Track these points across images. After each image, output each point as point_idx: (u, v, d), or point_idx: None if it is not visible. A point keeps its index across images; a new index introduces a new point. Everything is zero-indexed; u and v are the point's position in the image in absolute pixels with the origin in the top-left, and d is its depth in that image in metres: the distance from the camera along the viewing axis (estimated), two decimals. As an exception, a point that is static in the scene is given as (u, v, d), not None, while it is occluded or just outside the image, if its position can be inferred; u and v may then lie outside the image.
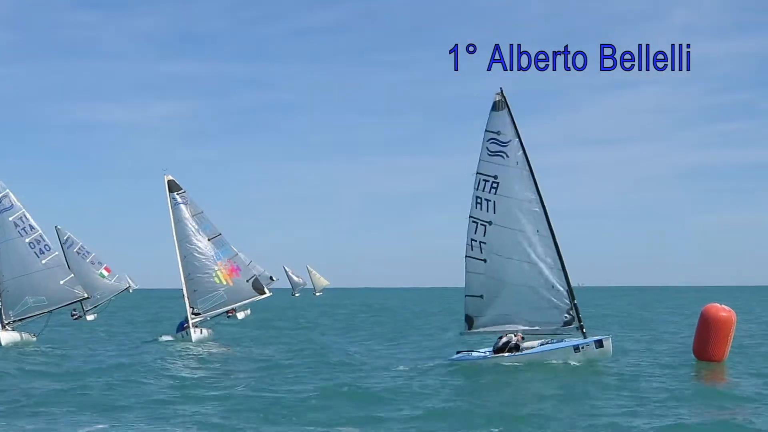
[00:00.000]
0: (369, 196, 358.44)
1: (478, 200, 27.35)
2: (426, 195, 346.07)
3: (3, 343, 39.44)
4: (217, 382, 24.60)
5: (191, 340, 39.89)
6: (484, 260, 27.52)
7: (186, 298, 41.42)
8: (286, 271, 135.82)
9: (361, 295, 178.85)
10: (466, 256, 27.73)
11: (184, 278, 41.71)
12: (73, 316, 65.02)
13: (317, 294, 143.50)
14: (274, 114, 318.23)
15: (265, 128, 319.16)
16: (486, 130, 27.51)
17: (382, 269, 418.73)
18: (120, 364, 29.69)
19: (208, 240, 41.97)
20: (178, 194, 42.34)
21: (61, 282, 41.80)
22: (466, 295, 27.97)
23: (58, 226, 65.48)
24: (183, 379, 25.58)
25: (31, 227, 41.80)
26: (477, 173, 27.45)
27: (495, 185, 27.31)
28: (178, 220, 42.06)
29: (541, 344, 27.31)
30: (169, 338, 41.22)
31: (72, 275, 43.10)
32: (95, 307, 65.07)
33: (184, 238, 41.88)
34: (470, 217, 27.51)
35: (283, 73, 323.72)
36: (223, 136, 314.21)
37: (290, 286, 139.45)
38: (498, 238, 27.46)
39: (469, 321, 27.98)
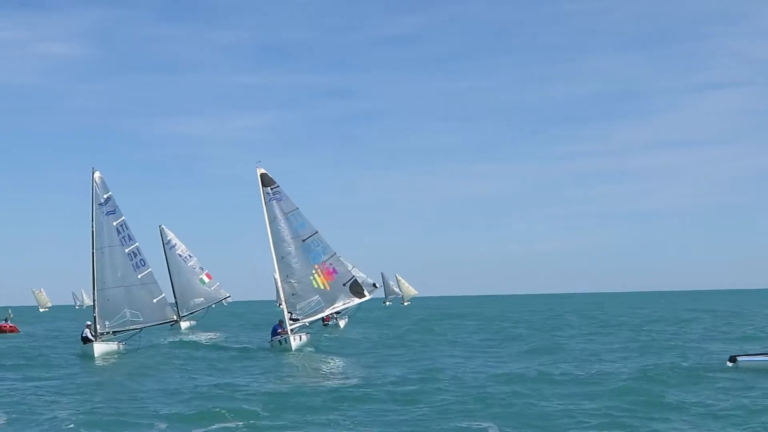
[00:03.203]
0: (449, 203, 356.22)
1: None
2: (505, 201, 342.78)
3: (96, 355, 37.95)
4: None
5: (291, 349, 37.43)
6: None
7: (283, 302, 39.29)
8: (383, 278, 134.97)
9: (453, 304, 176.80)
10: None
11: (281, 281, 39.27)
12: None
13: (405, 303, 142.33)
14: (356, 123, 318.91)
15: (347, 137, 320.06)
16: None
17: (460, 277, 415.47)
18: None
19: (303, 240, 39.21)
20: (271, 189, 39.52)
21: (155, 300, 40.61)
22: None
23: (163, 226, 65.01)
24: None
25: (130, 237, 40.52)
26: None
27: None
28: (273, 219, 39.25)
29: None
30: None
31: (164, 295, 41.55)
32: (191, 314, 64.28)
33: (280, 239, 39.16)
34: None
35: (365, 82, 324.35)
36: (305, 146, 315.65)
37: (383, 295, 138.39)
38: None
39: None
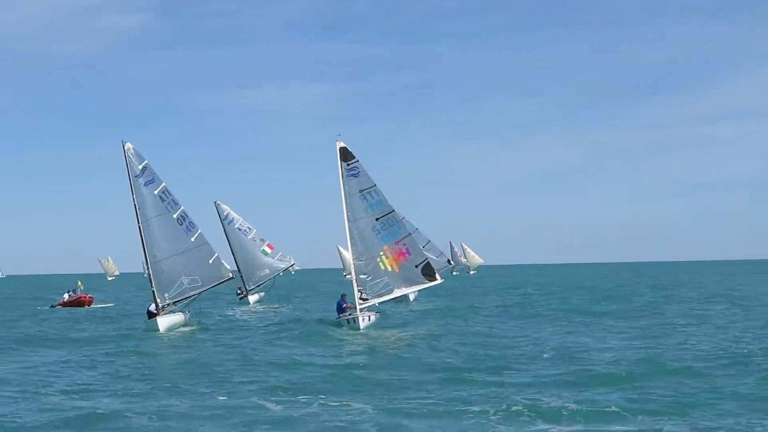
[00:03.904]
0: (518, 173, 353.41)
1: None
2: (572, 171, 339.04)
3: (161, 329, 36.86)
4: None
5: (359, 329, 35.98)
6: None
7: (354, 281, 37.76)
8: (452, 247, 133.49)
9: (517, 272, 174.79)
10: None
11: (353, 258, 37.70)
12: (238, 295, 62.61)
13: (471, 272, 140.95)
14: (425, 94, 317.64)
15: (415, 108, 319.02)
16: None
17: (531, 245, 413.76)
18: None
19: (377, 219, 37.55)
20: (348, 164, 37.76)
21: (210, 261, 39.68)
22: None
23: (218, 202, 63.34)
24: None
25: (174, 202, 39.31)
26: None
27: None
28: (349, 194, 37.56)
29: None
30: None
31: (217, 254, 40.43)
32: (258, 286, 62.68)
33: (354, 216, 37.55)
34: None
35: (433, 53, 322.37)
36: (372, 118, 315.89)
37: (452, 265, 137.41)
38: None
39: None
